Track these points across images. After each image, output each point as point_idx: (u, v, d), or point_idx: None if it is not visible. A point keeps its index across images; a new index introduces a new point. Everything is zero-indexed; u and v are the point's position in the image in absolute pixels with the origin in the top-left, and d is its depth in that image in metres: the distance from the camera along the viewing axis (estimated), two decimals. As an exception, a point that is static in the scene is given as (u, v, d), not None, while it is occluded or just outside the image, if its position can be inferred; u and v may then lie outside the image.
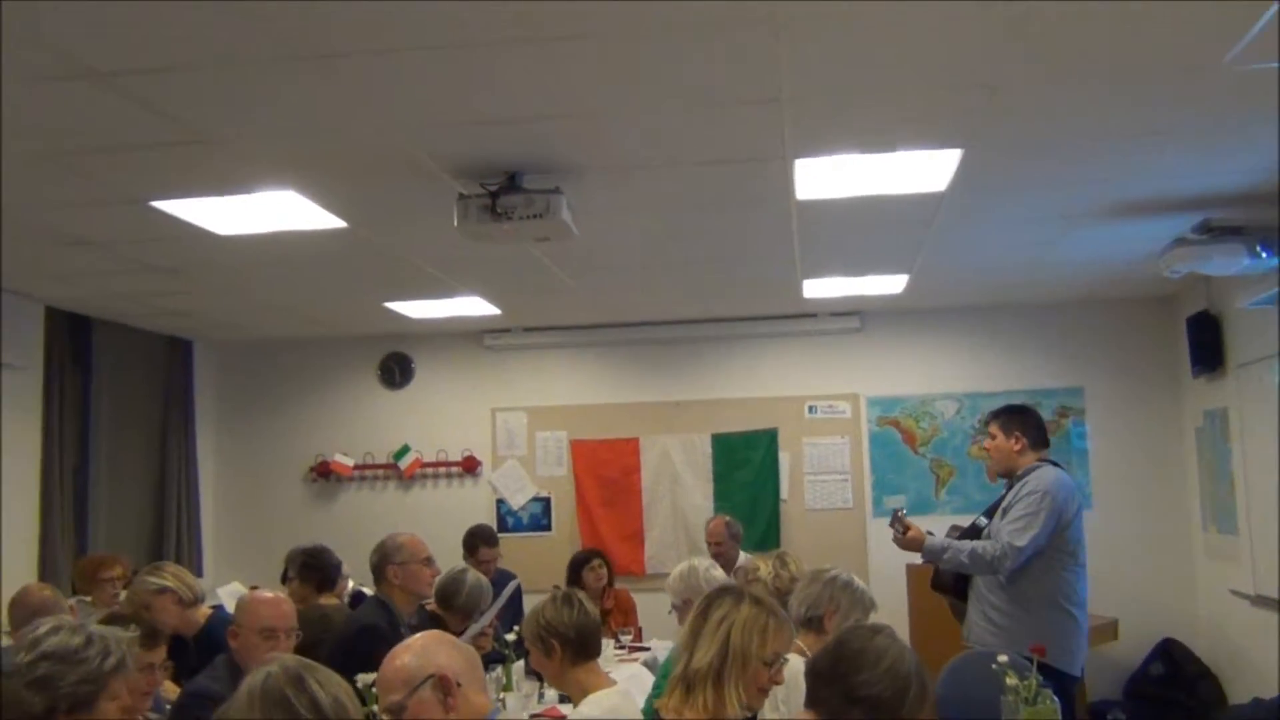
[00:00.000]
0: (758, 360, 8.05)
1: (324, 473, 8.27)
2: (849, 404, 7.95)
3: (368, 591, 5.79)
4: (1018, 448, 4.65)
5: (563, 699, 4.19)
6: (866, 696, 2.28)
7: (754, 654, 2.68)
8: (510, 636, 4.70)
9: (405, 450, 8.22)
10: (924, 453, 7.84)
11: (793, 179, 4.41)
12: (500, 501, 8.17)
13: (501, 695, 4.55)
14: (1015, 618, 4.43)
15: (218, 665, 3.51)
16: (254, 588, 6.41)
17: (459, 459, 8.20)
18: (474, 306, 7.14)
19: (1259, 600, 6.23)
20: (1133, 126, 3.94)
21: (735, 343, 8.05)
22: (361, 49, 3.04)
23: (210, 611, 4.62)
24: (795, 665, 2.94)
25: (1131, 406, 7.65)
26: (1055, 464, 4.66)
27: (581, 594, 3.37)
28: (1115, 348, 7.70)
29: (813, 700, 2.39)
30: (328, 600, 5.29)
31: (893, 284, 6.82)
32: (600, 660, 3.36)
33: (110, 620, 3.44)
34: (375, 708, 2.53)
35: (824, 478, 7.92)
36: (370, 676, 3.19)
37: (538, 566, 7.44)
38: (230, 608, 5.49)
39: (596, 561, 6.74)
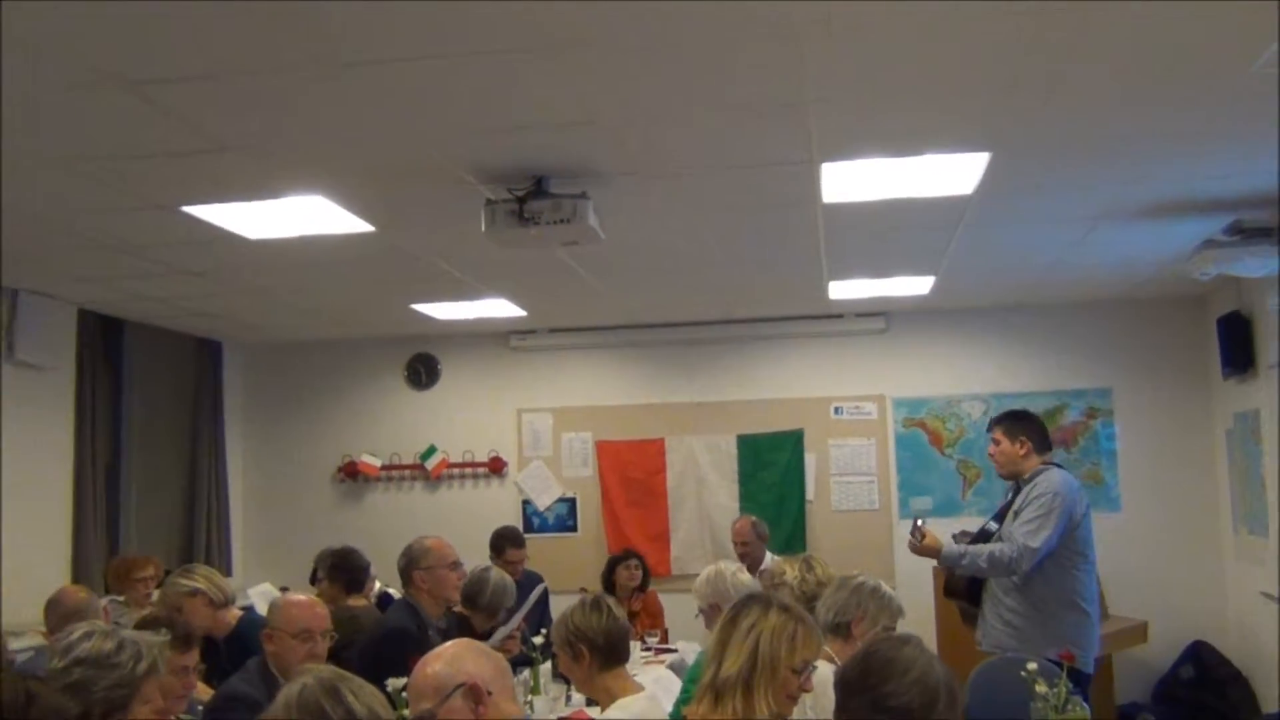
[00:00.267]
0: (783, 361, 8.04)
1: (351, 473, 8.32)
2: (875, 405, 7.92)
3: (394, 593, 5.83)
4: (1023, 452, 4.70)
5: (590, 702, 4.21)
6: (895, 706, 2.28)
7: (783, 661, 2.68)
8: (537, 639, 4.72)
9: (432, 451, 8.26)
10: (950, 454, 7.81)
11: (819, 183, 4.41)
12: (526, 502, 8.20)
13: (529, 698, 4.58)
14: (1032, 619, 4.48)
15: (250, 668, 3.54)
16: (284, 589, 6.49)
17: (485, 460, 8.23)
18: (500, 308, 7.17)
19: (1291, 603, 6.18)
20: (1162, 128, 3.91)
21: (761, 344, 8.05)
22: (390, 57, 3.06)
23: (241, 613, 4.65)
24: (824, 672, 2.94)
25: (1161, 408, 7.59)
26: (1059, 466, 4.75)
27: (610, 599, 3.38)
28: (1145, 348, 7.64)
29: (842, 709, 2.39)
30: (356, 601, 5.32)
31: (919, 285, 6.79)
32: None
33: (144, 624, 3.48)
34: (406, 712, 2.54)
35: (850, 479, 7.90)
36: (400, 681, 3.22)
37: (563, 567, 7.49)
38: (261, 608, 5.54)
39: (633, 562, 6.78)
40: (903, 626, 3.58)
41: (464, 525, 7.24)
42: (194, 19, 2.77)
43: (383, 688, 3.22)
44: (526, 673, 4.76)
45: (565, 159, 4.03)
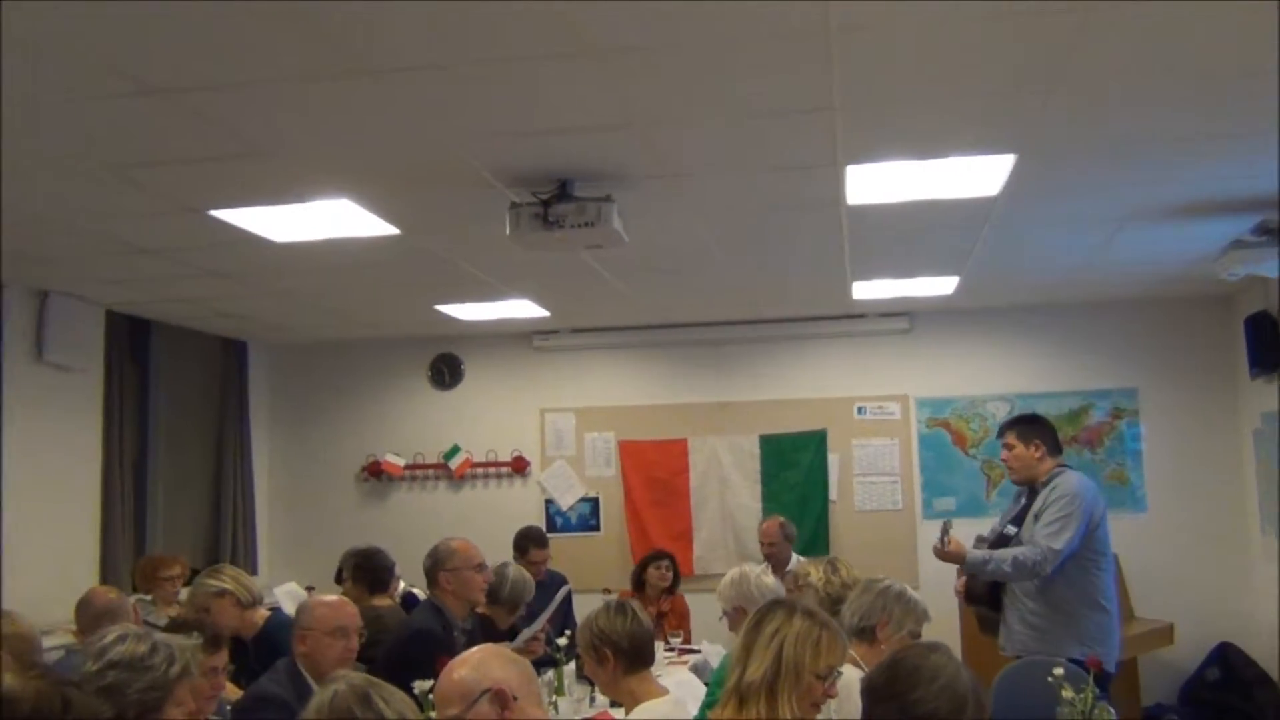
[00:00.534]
0: (806, 361, 8.03)
1: (375, 472, 8.36)
2: (898, 405, 7.90)
3: (418, 592, 5.87)
4: (1037, 455, 4.71)
5: (614, 704, 4.22)
6: (922, 714, 2.28)
7: (807, 667, 2.68)
8: (562, 641, 4.74)
9: (455, 450, 8.30)
10: (975, 454, 7.78)
11: (844, 185, 4.40)
12: (549, 502, 8.22)
13: (553, 699, 4.60)
14: (1056, 620, 4.50)
15: (279, 669, 3.58)
16: (309, 588, 6.55)
17: (508, 459, 8.26)
18: (523, 309, 7.19)
19: (1319, 606, 6.13)
20: (1189, 128, 3.88)
21: (784, 344, 8.04)
22: (416, 63, 3.08)
23: (268, 613, 4.68)
24: (849, 677, 2.94)
25: (1187, 408, 7.53)
26: (1070, 468, 4.77)
27: (635, 603, 3.39)
28: (1171, 348, 7.58)
29: (869, 717, 2.40)
30: (381, 601, 5.36)
31: (943, 285, 6.77)
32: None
33: (174, 627, 3.53)
34: (433, 714, 2.56)
35: (873, 479, 7.89)
36: (427, 683, 3.25)
37: (586, 567, 7.51)
38: (287, 608, 5.60)
39: (664, 562, 6.79)
40: (927, 629, 3.58)
41: (487, 525, 7.29)
42: (225, 28, 2.80)
43: (409, 689, 3.25)
44: (551, 674, 4.78)
45: (590, 162, 4.04)
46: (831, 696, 2.75)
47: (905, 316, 7.85)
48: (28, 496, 5.92)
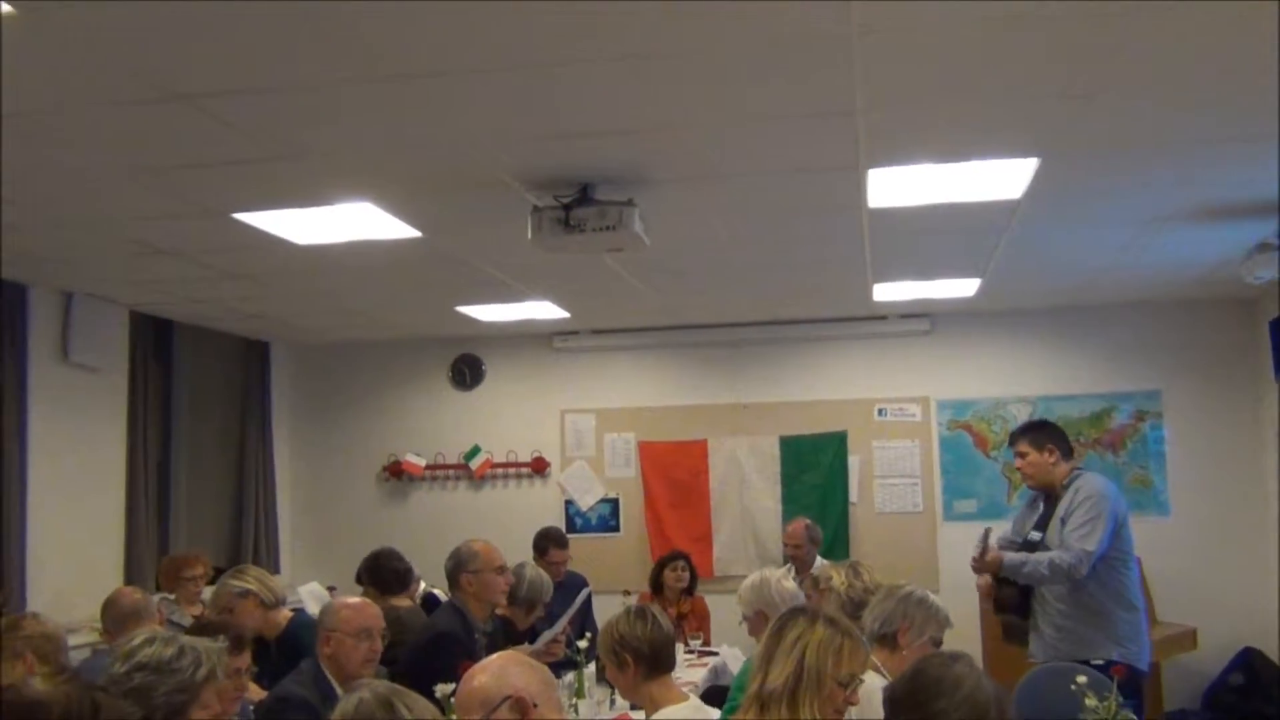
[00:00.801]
0: (826, 362, 8.02)
1: (396, 472, 8.40)
2: (919, 407, 7.88)
3: (439, 593, 5.88)
4: (1052, 460, 4.69)
5: (634, 707, 4.23)
6: (945, 725, 2.28)
7: (828, 674, 2.68)
8: (582, 643, 4.75)
9: (476, 451, 8.32)
10: (996, 456, 7.74)
11: (866, 188, 4.39)
12: (569, 502, 8.23)
13: (573, 701, 4.60)
14: (1089, 622, 4.48)
15: (303, 670, 3.60)
16: (331, 588, 6.58)
17: (528, 460, 8.27)
18: (543, 310, 7.20)
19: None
20: (1213, 131, 3.86)
21: (804, 345, 8.02)
22: (438, 69, 3.10)
23: (291, 614, 4.70)
24: (870, 684, 2.94)
25: (1211, 410, 7.48)
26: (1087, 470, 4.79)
27: (655, 608, 3.40)
28: (1194, 350, 7.53)
29: (891, 727, 2.40)
30: (400, 602, 5.37)
31: (965, 287, 6.74)
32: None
33: (198, 629, 3.55)
34: (455, 718, 2.58)
35: (894, 481, 7.87)
36: (449, 687, 3.26)
37: (606, 568, 7.52)
38: (310, 607, 5.62)
39: (680, 563, 6.79)
40: (948, 635, 3.57)
41: (507, 525, 7.30)
42: (250, 33, 2.82)
43: (431, 693, 3.26)
44: (571, 676, 4.79)
45: (612, 166, 4.05)
46: (853, 704, 2.75)
47: (926, 318, 7.82)
48: (53, 495, 5.98)
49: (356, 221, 4.73)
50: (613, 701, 4.60)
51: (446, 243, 5.24)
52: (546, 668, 2.56)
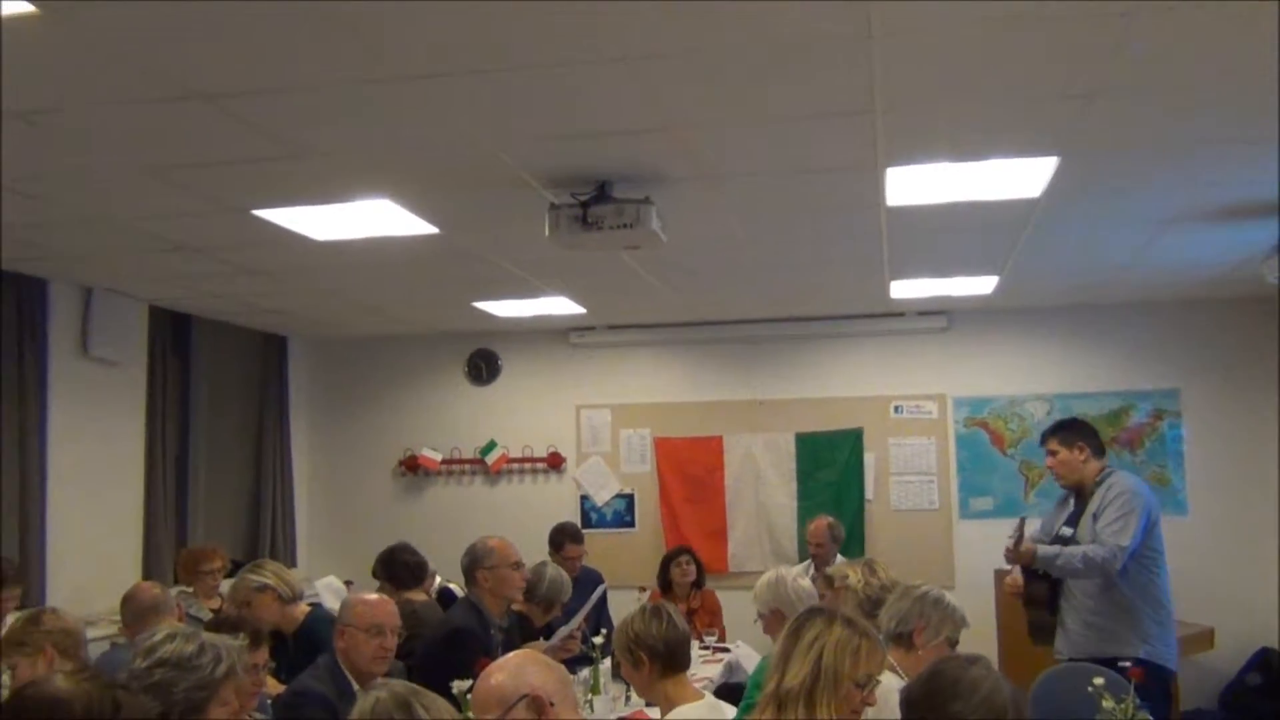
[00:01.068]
0: (843, 359, 8.00)
1: (412, 467, 8.42)
2: (935, 404, 7.85)
3: (454, 587, 5.91)
4: (1082, 458, 4.69)
5: (649, 702, 4.24)
6: (961, 727, 2.28)
7: (845, 675, 2.67)
8: (597, 639, 4.76)
9: (492, 446, 8.34)
10: (1013, 454, 7.72)
11: (884, 186, 4.38)
12: (584, 498, 8.24)
13: (589, 697, 4.62)
14: (1119, 619, 4.49)
15: (320, 665, 3.62)
16: (348, 582, 6.61)
17: (544, 455, 8.29)
18: (560, 305, 7.21)
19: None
20: (1233, 131, 3.83)
21: (820, 341, 8.01)
22: (457, 68, 3.10)
23: (308, 609, 4.73)
24: (886, 684, 2.94)
25: (1230, 410, 7.43)
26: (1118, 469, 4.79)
27: (670, 606, 3.40)
28: (1213, 348, 7.48)
29: (907, 728, 2.39)
30: (415, 596, 5.40)
31: (982, 285, 6.72)
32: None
33: (217, 624, 3.57)
34: (471, 715, 2.59)
35: (910, 478, 7.85)
36: (465, 683, 3.28)
37: (621, 563, 7.53)
38: (327, 601, 5.65)
39: (685, 558, 6.79)
40: (964, 635, 3.56)
41: (523, 520, 7.33)
42: (269, 33, 2.84)
43: (448, 689, 3.28)
44: (586, 672, 4.80)
45: (629, 164, 4.05)
46: (870, 704, 2.75)
47: (943, 315, 7.79)
48: (72, 488, 6.03)
49: (375, 218, 4.74)
50: (628, 698, 4.62)
51: (464, 239, 5.25)
52: (563, 666, 2.57)
